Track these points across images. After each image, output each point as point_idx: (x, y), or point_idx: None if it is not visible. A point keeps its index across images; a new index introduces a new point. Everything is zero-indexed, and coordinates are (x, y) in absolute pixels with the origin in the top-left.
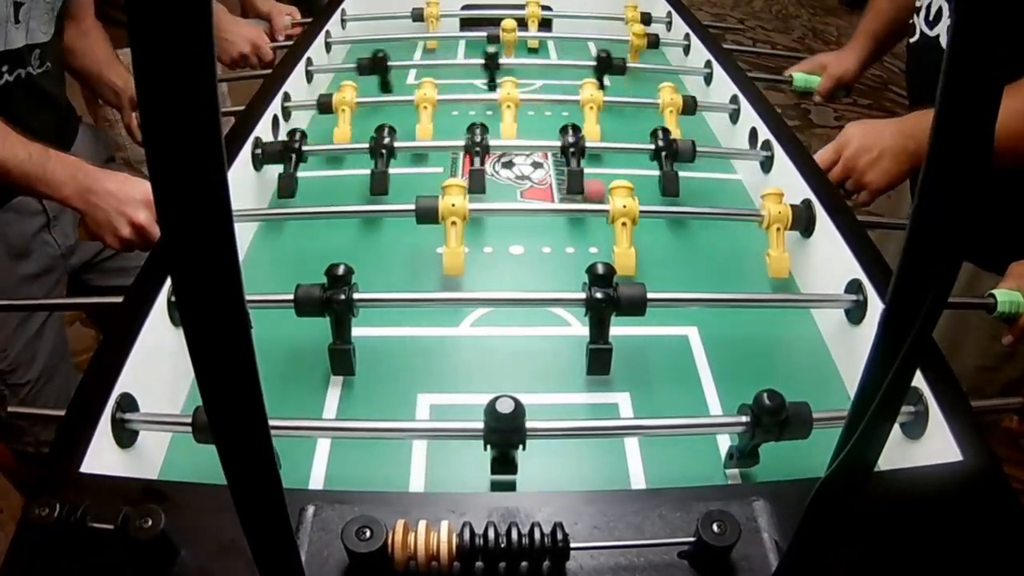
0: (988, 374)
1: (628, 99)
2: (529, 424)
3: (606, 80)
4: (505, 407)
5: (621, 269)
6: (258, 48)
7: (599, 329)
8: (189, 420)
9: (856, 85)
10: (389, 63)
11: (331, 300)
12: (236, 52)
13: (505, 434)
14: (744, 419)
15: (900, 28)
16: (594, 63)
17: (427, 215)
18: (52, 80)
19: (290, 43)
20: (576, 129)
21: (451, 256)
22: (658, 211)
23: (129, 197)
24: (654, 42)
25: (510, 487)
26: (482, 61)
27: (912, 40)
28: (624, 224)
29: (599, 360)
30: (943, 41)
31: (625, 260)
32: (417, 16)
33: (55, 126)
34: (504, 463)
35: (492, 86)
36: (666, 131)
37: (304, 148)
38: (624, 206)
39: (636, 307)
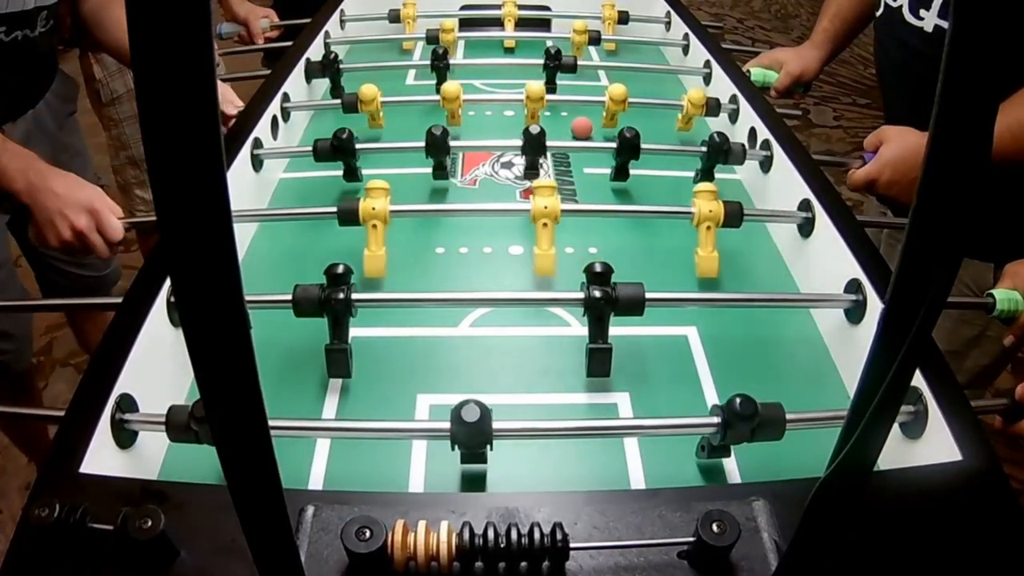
0: (955, 360)
1: (651, 100)
2: (528, 424)
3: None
4: (471, 415)
5: (540, 271)
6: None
7: (598, 328)
8: (163, 419)
9: (855, 84)
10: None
11: (330, 300)
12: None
13: (473, 438)
14: (715, 420)
15: (859, 26)
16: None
17: (348, 217)
18: (48, 38)
19: (269, 46)
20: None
21: (371, 260)
22: (580, 209)
23: (73, 201)
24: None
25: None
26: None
27: (878, 14)
28: (545, 224)
29: (599, 360)
30: (906, 11)
31: (544, 262)
32: (394, 18)
33: (37, 79)
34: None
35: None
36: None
37: (358, 147)
38: (546, 207)
39: (634, 306)
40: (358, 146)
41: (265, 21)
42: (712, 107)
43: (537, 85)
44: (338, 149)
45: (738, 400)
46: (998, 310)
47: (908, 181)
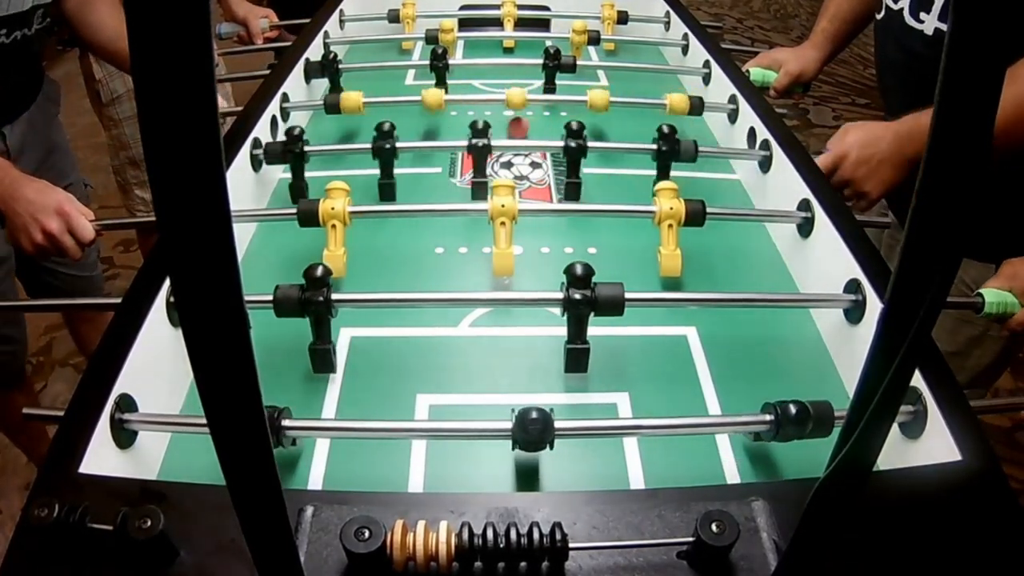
0: (957, 360)
1: (635, 99)
2: (585, 424)
3: (603, 77)
4: (535, 427)
5: (498, 271)
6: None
7: (577, 329)
8: (188, 420)
9: (854, 84)
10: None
11: (309, 301)
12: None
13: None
14: (768, 417)
15: (858, 27)
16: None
17: (308, 218)
18: (41, 36)
19: (268, 47)
20: (580, 129)
21: (332, 259)
22: (544, 209)
23: (44, 206)
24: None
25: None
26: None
27: (879, 16)
28: (503, 223)
29: (576, 359)
30: (906, 14)
31: (503, 262)
32: (393, 18)
33: (31, 79)
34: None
35: (442, 88)
36: (672, 129)
37: (307, 149)
38: (503, 205)
39: (614, 307)
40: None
41: (264, 21)
42: (695, 106)
43: (519, 91)
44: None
45: (793, 407)
46: (986, 312)
47: (874, 163)
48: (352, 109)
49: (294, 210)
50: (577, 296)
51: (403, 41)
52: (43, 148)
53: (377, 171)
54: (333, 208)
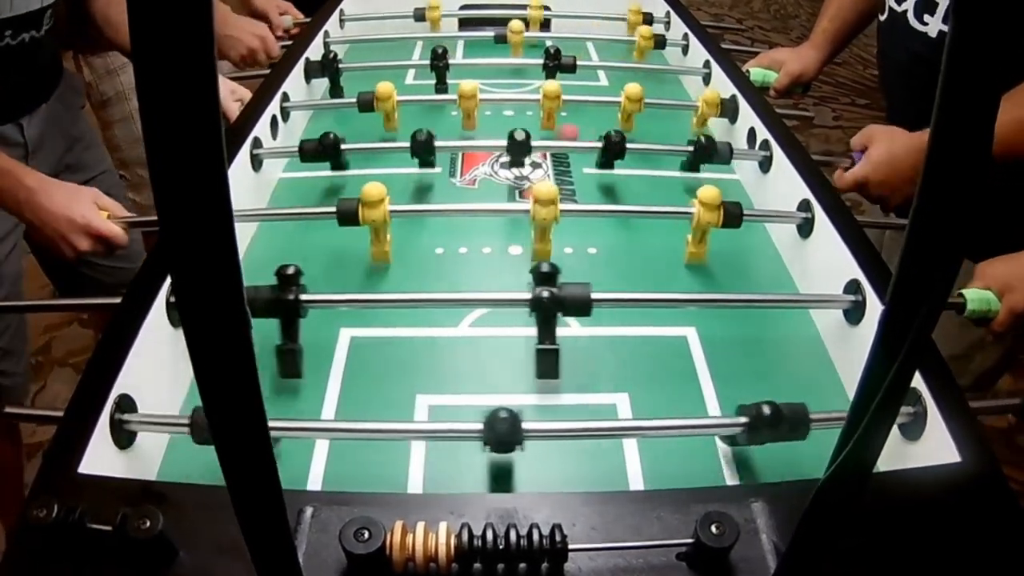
0: (959, 364)
1: (662, 100)
2: (527, 425)
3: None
4: (503, 424)
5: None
6: (265, 43)
7: (546, 329)
8: (187, 421)
9: (854, 84)
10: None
11: (279, 301)
12: (244, 48)
13: (505, 442)
14: (743, 420)
15: (858, 27)
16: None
17: (347, 218)
18: (52, 36)
19: (288, 42)
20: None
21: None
22: (578, 210)
23: (69, 224)
24: (660, 42)
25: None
26: (482, 61)
27: (882, 18)
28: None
29: (546, 362)
30: (910, 16)
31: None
32: (419, 17)
33: (46, 78)
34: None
35: (443, 88)
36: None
37: (343, 147)
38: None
39: (581, 307)
40: (359, 146)
41: (288, 18)
42: (728, 109)
43: (554, 84)
44: (325, 149)
45: (765, 407)
46: (969, 310)
47: (901, 180)
48: (386, 106)
49: (295, 210)
50: (545, 294)
51: (403, 42)
52: (64, 140)
53: (375, 171)
54: (374, 220)
